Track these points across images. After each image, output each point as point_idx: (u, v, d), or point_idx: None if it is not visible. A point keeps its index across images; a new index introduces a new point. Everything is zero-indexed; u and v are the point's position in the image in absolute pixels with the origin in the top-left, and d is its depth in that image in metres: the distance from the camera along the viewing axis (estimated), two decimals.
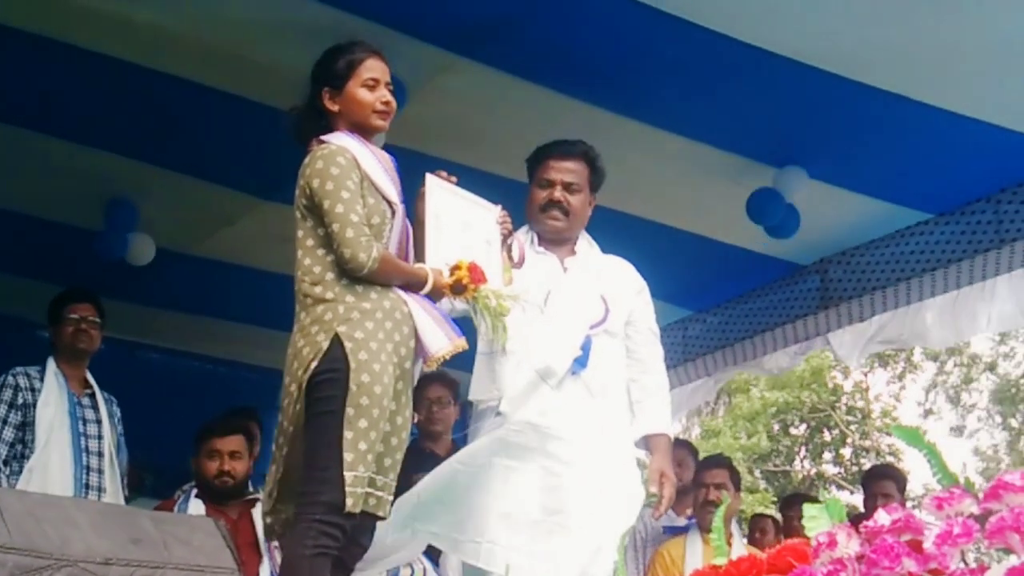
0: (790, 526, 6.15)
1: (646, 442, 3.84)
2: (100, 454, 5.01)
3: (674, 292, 5.97)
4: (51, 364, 5.03)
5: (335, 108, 3.44)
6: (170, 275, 6.26)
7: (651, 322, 3.99)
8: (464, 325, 3.63)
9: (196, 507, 4.77)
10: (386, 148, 3.52)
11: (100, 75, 4.79)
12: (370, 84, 3.44)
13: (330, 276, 3.27)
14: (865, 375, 21.37)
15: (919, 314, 5.95)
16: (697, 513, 5.51)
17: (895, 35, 4.46)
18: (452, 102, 4.92)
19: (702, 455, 6.43)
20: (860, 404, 21.97)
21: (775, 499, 19.91)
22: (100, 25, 4.52)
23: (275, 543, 4.47)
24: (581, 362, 3.69)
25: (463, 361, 3.84)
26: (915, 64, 4.64)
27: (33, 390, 4.94)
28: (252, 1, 4.42)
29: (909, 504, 6.64)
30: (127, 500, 5.16)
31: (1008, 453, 21.48)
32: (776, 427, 21.70)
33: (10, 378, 4.95)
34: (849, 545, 1.66)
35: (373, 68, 3.46)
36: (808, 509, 1.83)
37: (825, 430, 21.90)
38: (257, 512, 4.85)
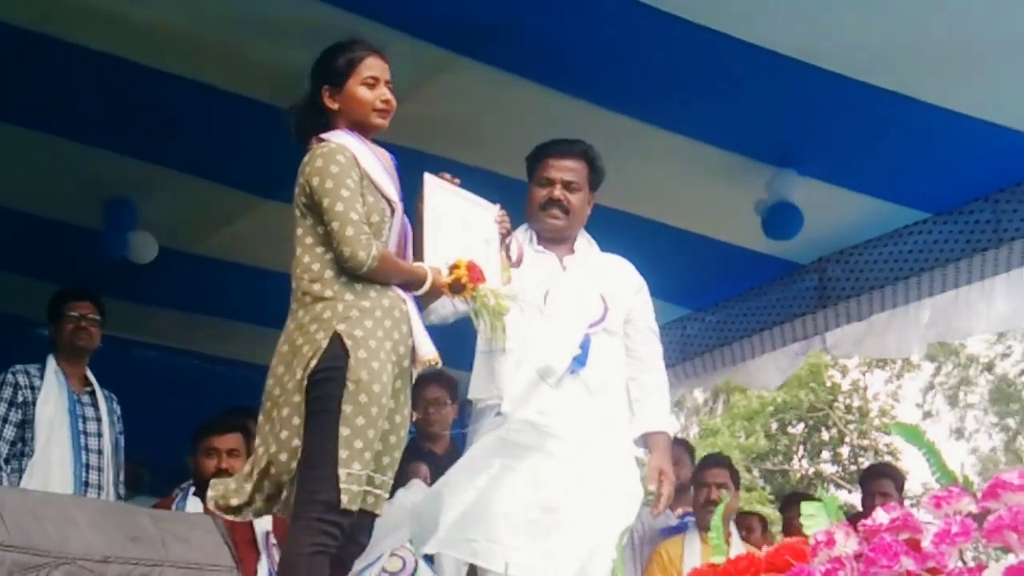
0: (790, 525, 6.15)
1: (645, 440, 3.85)
2: (100, 452, 5.01)
3: (672, 291, 5.97)
4: (51, 362, 5.03)
5: (335, 106, 3.44)
6: (169, 273, 6.26)
7: (650, 320, 3.99)
8: (463, 323, 3.64)
9: (194, 505, 4.77)
10: (385, 146, 3.52)
11: (98, 73, 4.79)
12: (370, 82, 3.44)
13: (329, 274, 3.27)
14: (863, 374, 21.37)
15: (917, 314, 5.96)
16: (698, 512, 5.51)
17: (895, 34, 4.47)
18: (452, 101, 4.92)
19: (701, 454, 6.43)
20: (858, 403, 21.98)
21: (772, 498, 19.93)
22: (98, 23, 4.52)
23: (273, 541, 4.47)
24: (580, 361, 3.69)
25: (462, 360, 3.85)
26: (914, 63, 4.64)
27: (33, 388, 4.95)
28: (250, 1, 4.42)
29: (907, 503, 6.65)
30: (125, 498, 5.16)
31: (1004, 454, 21.49)
32: (774, 426, 21.71)
33: (10, 376, 4.96)
34: (847, 544, 1.67)
35: (373, 66, 3.46)
36: (806, 508, 1.83)
37: (823, 429, 21.90)
38: None
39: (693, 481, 5.69)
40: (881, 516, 1.66)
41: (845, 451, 21.81)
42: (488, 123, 5.06)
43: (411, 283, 3.37)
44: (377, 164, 3.40)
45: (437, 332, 3.60)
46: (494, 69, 4.71)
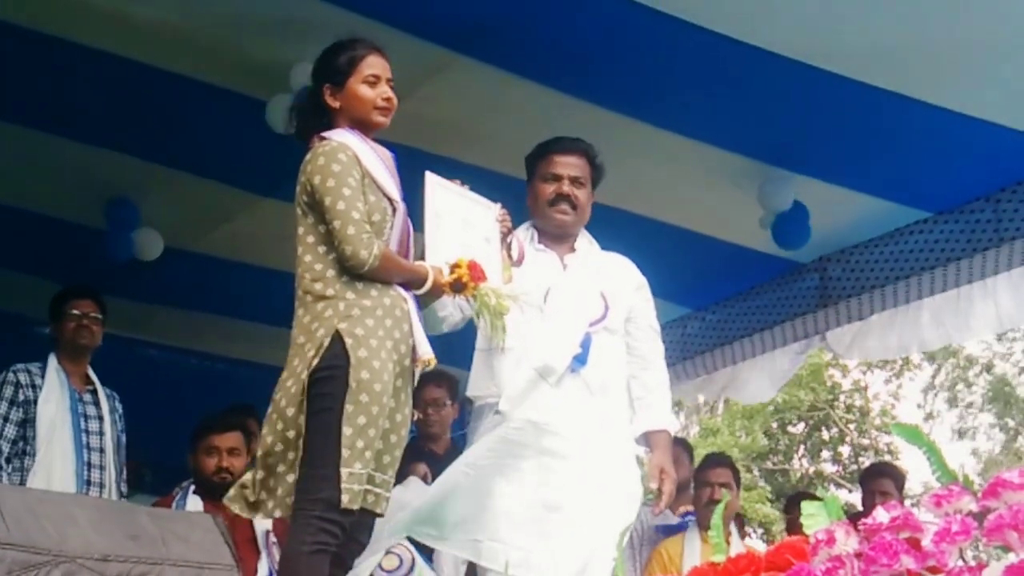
0: (794, 525, 6.15)
1: (646, 438, 3.84)
2: (102, 450, 5.02)
3: (673, 290, 5.97)
4: (52, 361, 5.04)
5: (336, 105, 3.44)
6: (169, 272, 6.27)
7: (651, 319, 3.99)
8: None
9: (194, 503, 4.77)
10: (385, 144, 3.52)
11: (98, 72, 4.79)
12: (371, 80, 3.44)
13: (331, 273, 3.27)
14: (864, 374, 21.39)
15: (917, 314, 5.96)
16: (700, 511, 5.49)
17: (895, 34, 4.47)
18: (451, 100, 4.92)
19: (701, 453, 6.43)
20: (859, 403, 21.99)
21: (772, 497, 19.95)
22: (98, 21, 4.52)
23: (274, 540, 4.47)
24: (581, 360, 3.69)
25: (461, 358, 3.85)
26: (915, 63, 4.64)
27: (34, 387, 4.95)
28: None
29: (908, 503, 6.64)
30: (126, 496, 5.16)
31: (1004, 454, 21.50)
32: (775, 425, 21.72)
33: (11, 375, 4.96)
34: (848, 542, 1.66)
35: (374, 64, 3.46)
36: (806, 507, 1.83)
37: (823, 429, 21.92)
38: None
39: (695, 480, 5.68)
40: (881, 515, 1.66)
41: (845, 450, 21.83)
42: (488, 122, 5.06)
43: (412, 282, 3.37)
44: (378, 163, 3.40)
45: None
46: (494, 68, 4.71)
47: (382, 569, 4.54)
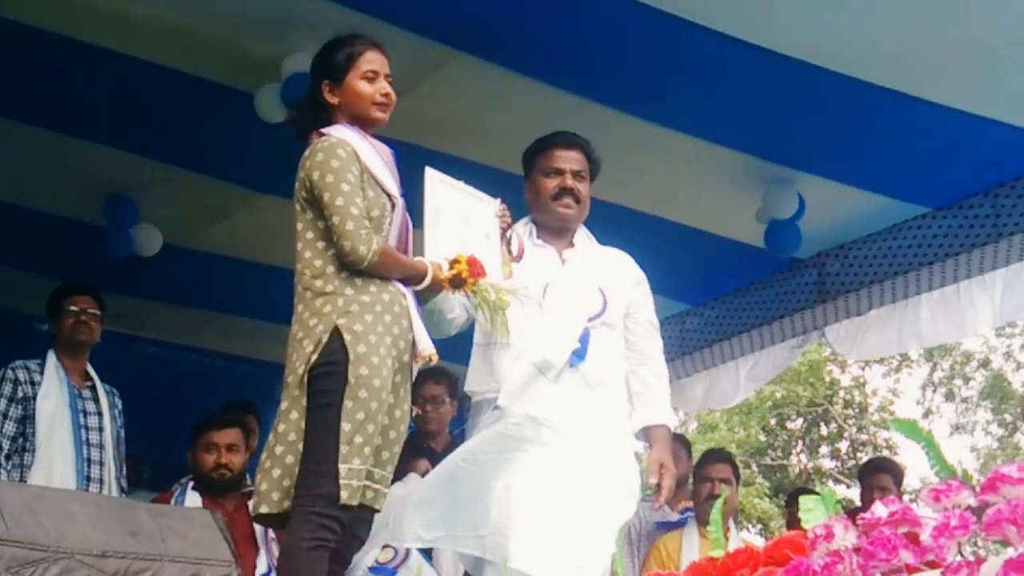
0: (795, 520, 6.15)
1: (645, 433, 3.84)
2: (101, 446, 5.02)
3: (672, 286, 5.96)
4: (51, 357, 5.03)
5: (335, 101, 3.44)
6: (168, 268, 6.26)
7: (650, 314, 3.98)
8: None
9: (193, 500, 4.77)
10: (385, 141, 3.52)
11: (97, 69, 4.79)
12: (370, 76, 3.44)
13: (330, 269, 3.27)
14: (862, 369, 21.39)
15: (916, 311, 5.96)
16: (700, 507, 5.49)
17: (893, 32, 4.47)
18: (450, 97, 4.92)
19: (700, 449, 6.43)
20: (857, 399, 22.00)
21: (769, 493, 19.96)
22: (97, 19, 4.51)
23: (272, 536, 4.47)
24: (579, 355, 3.68)
25: (460, 353, 3.85)
26: (913, 60, 4.65)
27: (33, 383, 4.95)
28: None
29: (906, 498, 6.64)
30: (127, 492, 5.16)
31: (1002, 449, 21.52)
32: (773, 421, 21.73)
33: (9, 372, 4.96)
34: (846, 537, 1.67)
35: (372, 60, 3.45)
36: (804, 501, 1.83)
37: (822, 424, 21.92)
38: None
39: (694, 476, 5.68)
40: (880, 510, 1.66)
41: (844, 446, 21.84)
42: (487, 119, 5.06)
43: (411, 278, 3.37)
44: (377, 159, 3.40)
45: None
46: (494, 66, 4.71)
47: (377, 561, 4.54)
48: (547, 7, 4.38)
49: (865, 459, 16.03)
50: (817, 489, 1.91)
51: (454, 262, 3.39)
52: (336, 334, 3.18)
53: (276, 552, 4.24)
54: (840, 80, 4.69)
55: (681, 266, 5.92)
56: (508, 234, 3.71)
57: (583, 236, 3.99)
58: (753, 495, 18.87)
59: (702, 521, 5.39)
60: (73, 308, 5.09)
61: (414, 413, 4.67)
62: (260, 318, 6.58)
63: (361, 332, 3.18)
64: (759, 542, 5.12)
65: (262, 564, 4.63)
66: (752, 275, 6.50)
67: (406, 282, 3.35)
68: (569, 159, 3.94)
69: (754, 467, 21.13)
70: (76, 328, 5.08)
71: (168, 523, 3.34)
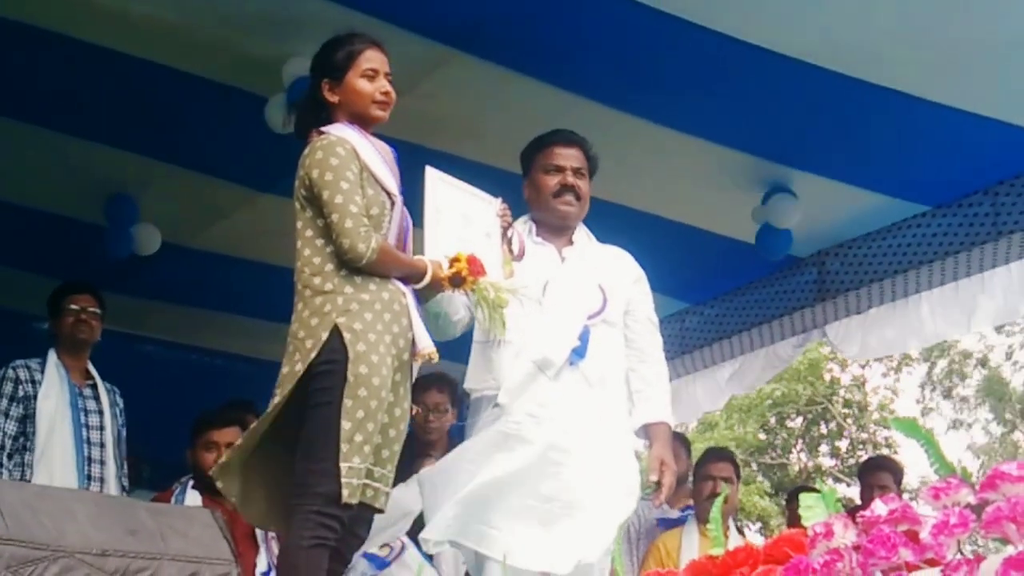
0: (795, 517, 6.14)
1: (646, 431, 3.84)
2: (102, 445, 5.02)
3: (672, 285, 5.97)
4: (52, 356, 5.03)
5: (335, 99, 3.44)
6: (167, 268, 6.26)
7: (649, 311, 3.98)
8: None
9: (193, 499, 4.77)
10: (385, 140, 3.52)
11: (95, 68, 4.79)
12: (369, 74, 3.44)
13: (330, 267, 3.27)
14: (862, 368, 21.39)
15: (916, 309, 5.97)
16: (701, 505, 5.48)
17: (892, 31, 4.47)
18: (451, 96, 4.92)
19: (702, 447, 6.42)
20: (857, 397, 22.00)
21: (769, 491, 19.97)
22: (97, 18, 4.51)
23: (272, 535, 4.47)
24: (579, 352, 3.68)
25: (459, 351, 3.85)
26: (912, 59, 4.65)
27: (34, 382, 4.95)
28: None
29: (905, 496, 6.64)
30: (128, 491, 5.16)
31: (1001, 446, 21.54)
32: (773, 419, 21.73)
33: (10, 371, 4.96)
34: (846, 535, 1.66)
35: (372, 59, 3.46)
36: (804, 499, 1.83)
37: (822, 423, 21.93)
38: None
39: (695, 474, 5.67)
40: (880, 507, 1.66)
41: (844, 444, 21.84)
42: (487, 118, 5.06)
43: (411, 276, 3.37)
44: (377, 157, 3.40)
45: None
46: (492, 65, 4.71)
47: (372, 553, 4.54)
48: (546, 6, 4.38)
49: (865, 457, 16.03)
50: (818, 487, 1.90)
51: (454, 260, 3.39)
52: (336, 332, 3.18)
53: (276, 550, 4.24)
54: (840, 79, 4.70)
55: (681, 264, 5.92)
56: (509, 233, 3.71)
57: (582, 234, 3.99)
58: (753, 493, 18.88)
59: (703, 519, 5.39)
60: (73, 307, 5.09)
61: (414, 412, 4.66)
62: (260, 317, 6.58)
63: (360, 330, 3.18)
64: (759, 540, 5.12)
65: (262, 563, 4.63)
66: (752, 273, 6.51)
67: (405, 280, 3.36)
68: (569, 156, 3.94)
69: (754, 466, 21.14)
70: (76, 327, 5.09)
71: (168, 522, 3.35)
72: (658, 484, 3.78)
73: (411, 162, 3.53)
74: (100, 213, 5.86)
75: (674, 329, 6.81)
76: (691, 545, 5.34)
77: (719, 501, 2.25)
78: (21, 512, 2.99)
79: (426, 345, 3.32)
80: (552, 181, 3.91)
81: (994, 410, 21.82)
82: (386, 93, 3.46)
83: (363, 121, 3.45)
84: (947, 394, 22.45)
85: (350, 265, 3.25)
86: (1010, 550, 1.50)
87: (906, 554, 1.56)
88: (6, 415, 4.88)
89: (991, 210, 5.57)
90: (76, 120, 5.20)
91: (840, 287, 6.21)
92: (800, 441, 22.17)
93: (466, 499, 3.55)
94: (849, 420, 21.74)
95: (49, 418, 4.90)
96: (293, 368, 3.20)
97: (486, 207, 3.67)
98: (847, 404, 21.94)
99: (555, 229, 3.94)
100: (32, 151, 5.39)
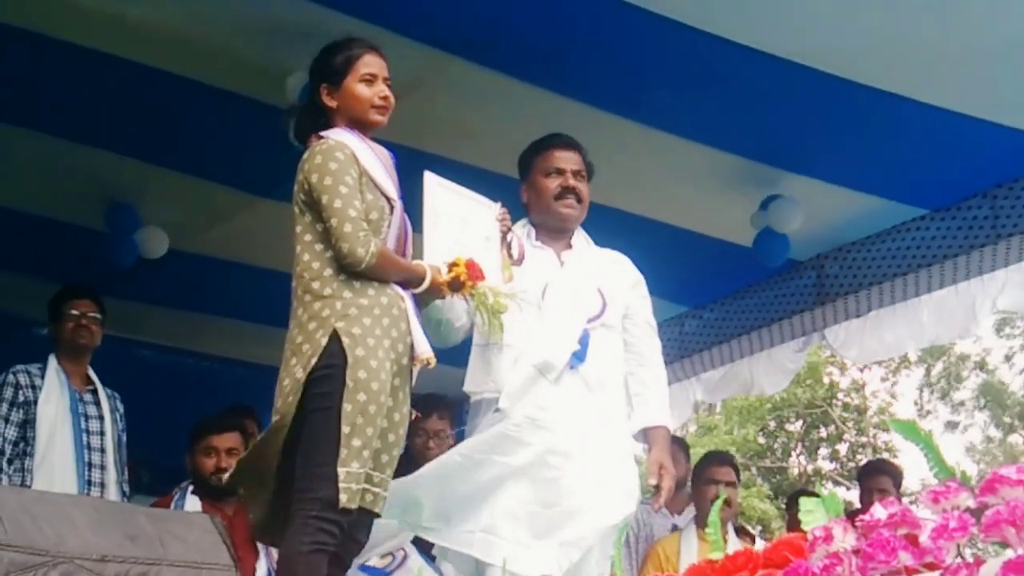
0: (795, 521, 6.13)
1: (645, 435, 3.84)
2: (102, 450, 5.02)
3: (671, 288, 5.97)
4: (52, 361, 5.03)
5: (333, 104, 3.44)
6: (167, 272, 6.26)
7: (648, 315, 3.99)
8: None
9: (192, 504, 4.77)
10: (384, 144, 3.52)
11: (93, 72, 4.79)
12: (368, 79, 3.44)
13: (329, 272, 3.27)
14: (861, 371, 21.40)
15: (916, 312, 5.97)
16: (705, 510, 5.46)
17: (889, 33, 4.47)
18: (446, 102, 4.92)
19: (701, 451, 6.41)
20: (856, 401, 22.00)
21: (769, 495, 19.96)
22: (94, 22, 4.51)
23: None
24: (579, 356, 3.69)
25: (458, 355, 3.85)
26: (910, 62, 4.65)
27: (34, 388, 4.94)
28: (247, 2, 4.42)
29: (905, 500, 6.64)
30: (128, 497, 5.16)
31: (1000, 448, 21.54)
32: (772, 423, 21.73)
33: (11, 376, 4.95)
34: (845, 539, 1.66)
35: (371, 63, 3.46)
36: (804, 503, 1.83)
37: (821, 426, 21.93)
38: None
39: (699, 478, 5.64)
40: (879, 511, 1.66)
41: (843, 448, 21.84)
42: (485, 123, 5.06)
43: (410, 280, 3.36)
44: (376, 161, 3.40)
45: None
46: (490, 70, 4.71)
47: (370, 564, 4.53)
48: (542, 12, 4.38)
49: (864, 461, 16.04)
50: (818, 491, 1.90)
51: (452, 265, 3.39)
52: (335, 337, 3.18)
53: (276, 556, 4.23)
54: (838, 83, 4.70)
55: (680, 268, 5.93)
56: (508, 237, 3.71)
57: (581, 238, 3.99)
58: (753, 497, 18.88)
59: (704, 524, 5.38)
60: (74, 312, 5.10)
61: (413, 416, 4.65)
62: (260, 322, 6.58)
63: (359, 335, 3.18)
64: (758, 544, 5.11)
65: (262, 568, 4.63)
66: (751, 277, 6.51)
67: (404, 285, 3.35)
68: (569, 159, 3.95)
69: (753, 469, 21.13)
70: (77, 332, 5.09)
71: (167, 527, 3.34)
72: (657, 488, 3.78)
73: (410, 167, 3.53)
74: (99, 218, 5.85)
75: (673, 333, 6.81)
76: (690, 549, 5.33)
77: (718, 505, 2.25)
78: (21, 518, 2.99)
79: (424, 350, 3.32)
80: (553, 184, 3.92)
81: (992, 415, 21.83)
82: (385, 98, 3.46)
83: (362, 126, 3.45)
84: (944, 396, 22.46)
85: (349, 269, 3.25)
86: (1009, 554, 1.50)
87: (905, 558, 1.56)
88: (6, 420, 4.87)
89: (990, 213, 5.57)
90: (75, 125, 5.20)
91: (839, 290, 6.21)
92: (799, 445, 22.17)
93: (465, 502, 3.55)
94: (848, 424, 21.74)
95: (49, 423, 4.90)
96: (294, 376, 3.20)
97: (485, 211, 3.67)
98: (846, 408, 21.94)
99: (554, 233, 3.94)
100: (32, 156, 5.39)
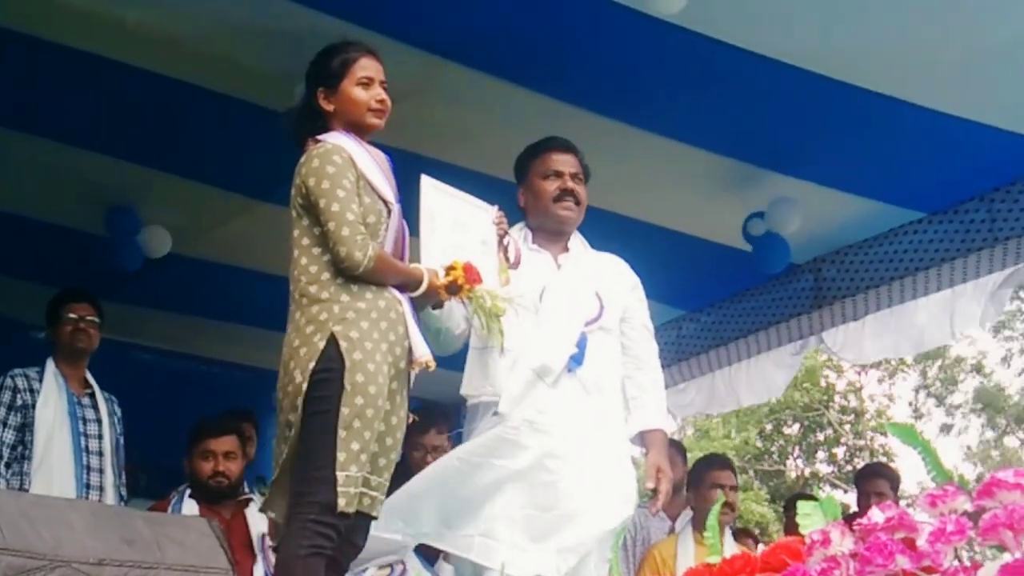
0: (793, 525, 6.13)
1: (642, 438, 3.85)
2: (100, 453, 5.01)
3: (668, 292, 5.97)
4: (50, 365, 5.03)
5: (330, 108, 3.44)
6: (164, 276, 6.25)
7: (645, 318, 3.99)
8: None
9: (190, 507, 4.77)
10: (380, 148, 3.52)
11: (91, 77, 4.78)
12: (364, 82, 3.44)
13: (326, 276, 3.27)
14: (858, 374, 21.41)
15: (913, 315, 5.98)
16: (706, 513, 5.45)
17: (886, 37, 4.48)
18: (446, 106, 4.92)
19: (699, 454, 6.40)
20: (853, 404, 22.01)
21: (767, 498, 19.95)
22: (93, 26, 4.51)
23: (270, 543, 4.47)
24: (577, 359, 3.69)
25: (454, 358, 3.85)
26: (907, 66, 4.66)
27: (32, 391, 4.94)
28: (245, 6, 4.42)
29: (902, 503, 6.65)
30: (126, 500, 5.16)
31: (997, 450, 21.55)
32: (769, 426, 21.73)
33: (8, 380, 4.95)
34: (843, 543, 1.67)
35: (367, 67, 3.46)
36: (802, 507, 1.83)
37: (818, 430, 21.93)
38: (251, 512, 4.85)
39: (700, 482, 5.62)
40: (877, 515, 1.66)
41: (840, 451, 21.84)
42: (481, 127, 5.06)
43: (408, 284, 3.36)
44: (373, 165, 3.40)
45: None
46: (485, 75, 4.72)
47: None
48: (539, 16, 4.38)
49: (861, 464, 16.04)
50: (816, 495, 1.90)
51: (450, 268, 3.39)
52: (332, 341, 3.18)
53: (273, 559, 4.23)
54: (835, 86, 4.70)
55: (677, 272, 5.93)
56: (505, 241, 3.71)
57: (578, 242, 3.99)
58: (751, 501, 18.87)
59: (702, 527, 5.36)
60: (72, 315, 5.09)
61: (410, 420, 4.65)
62: (258, 325, 6.57)
63: (357, 339, 3.18)
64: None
65: (259, 571, 4.64)
66: (748, 280, 6.51)
67: (402, 288, 3.35)
68: (566, 162, 3.96)
69: (751, 473, 21.13)
70: (75, 335, 5.08)
71: (164, 531, 3.34)
72: (655, 491, 3.79)
73: (407, 170, 3.53)
74: (99, 222, 5.85)
75: (671, 336, 6.81)
76: (687, 553, 5.33)
77: (716, 508, 2.25)
78: (18, 522, 2.99)
79: (423, 353, 3.32)
80: (552, 186, 3.92)
81: (989, 419, 21.85)
82: (381, 101, 3.46)
83: (359, 129, 3.45)
84: (939, 401, 22.47)
85: (347, 273, 3.25)
86: (1007, 557, 1.50)
87: (903, 562, 1.57)
88: (4, 424, 4.87)
89: (987, 217, 5.58)
90: (73, 129, 5.19)
91: (837, 293, 6.22)
92: (797, 448, 22.17)
93: (463, 506, 3.55)
94: (846, 427, 21.74)
95: (48, 427, 4.89)
96: (294, 381, 3.20)
97: (482, 214, 3.67)
98: (843, 411, 21.94)
99: (551, 236, 3.95)
100: (31, 160, 5.38)
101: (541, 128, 4.22)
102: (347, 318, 3.21)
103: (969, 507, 1.62)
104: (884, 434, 20.38)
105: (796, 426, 21.96)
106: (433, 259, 3.41)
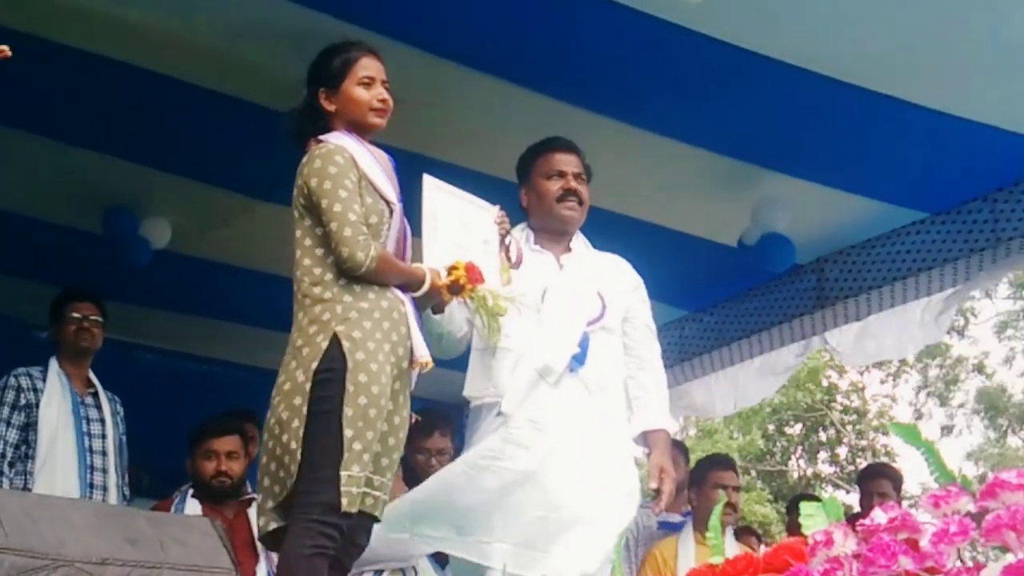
0: (796, 525, 6.12)
1: (645, 438, 3.84)
2: (104, 453, 5.02)
3: (671, 292, 5.97)
4: (53, 364, 5.04)
5: (332, 108, 3.44)
6: (166, 275, 6.26)
7: (648, 318, 3.99)
8: None
9: (193, 507, 4.78)
10: (382, 148, 3.52)
11: (92, 76, 4.78)
12: (366, 82, 3.45)
13: (329, 276, 3.27)
14: (861, 375, 21.39)
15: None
16: (708, 514, 5.43)
17: (889, 37, 4.47)
18: (448, 106, 4.92)
19: (702, 454, 6.40)
20: (856, 404, 21.99)
21: (770, 498, 19.94)
22: (92, 26, 4.51)
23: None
24: (579, 359, 3.69)
25: (457, 359, 3.85)
26: (910, 67, 4.65)
27: (35, 390, 4.95)
28: (246, 6, 4.42)
29: (905, 504, 6.64)
30: (129, 500, 5.16)
31: (999, 447, 21.53)
32: (771, 427, 21.72)
33: (12, 379, 4.96)
34: (846, 544, 1.66)
35: (368, 66, 3.46)
36: (805, 507, 1.83)
37: (821, 430, 21.92)
38: (253, 512, 4.85)
39: (704, 482, 5.61)
40: (879, 516, 1.66)
41: (843, 452, 21.83)
42: (483, 127, 5.06)
43: (410, 284, 3.36)
44: (375, 165, 3.40)
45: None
46: (486, 75, 4.72)
47: None
48: (541, 17, 4.38)
49: (864, 465, 16.02)
50: (819, 495, 1.90)
51: (452, 268, 3.39)
52: (335, 341, 3.18)
53: (275, 559, 4.23)
54: (838, 86, 4.70)
55: (680, 272, 5.92)
56: (507, 240, 3.72)
57: (580, 242, 3.99)
58: (753, 501, 18.86)
59: (703, 527, 5.36)
60: (75, 315, 5.10)
61: (413, 420, 4.64)
62: (260, 326, 6.58)
63: (359, 339, 3.18)
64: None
65: (262, 571, 4.64)
66: (751, 280, 6.50)
67: (404, 288, 3.35)
68: (569, 162, 3.96)
69: (753, 473, 21.12)
70: (78, 335, 5.09)
71: (167, 530, 3.34)
72: (658, 491, 3.79)
73: (408, 170, 3.53)
74: (98, 222, 5.85)
75: (673, 337, 6.81)
76: (688, 553, 5.33)
77: (719, 509, 2.25)
78: (21, 521, 2.99)
79: (423, 354, 3.32)
80: (555, 186, 3.92)
81: (990, 419, 21.83)
82: (383, 101, 3.46)
83: (361, 129, 3.45)
84: (941, 401, 22.46)
85: (349, 274, 3.25)
86: (1010, 558, 1.50)
87: (906, 562, 1.56)
88: (8, 423, 4.87)
89: (990, 217, 5.57)
90: (74, 128, 5.20)
91: (840, 294, 6.21)
92: (799, 448, 22.15)
93: (467, 508, 3.55)
94: (848, 427, 21.73)
95: (51, 426, 4.90)
96: (293, 380, 3.20)
97: (484, 214, 3.67)
98: (846, 411, 21.93)
99: (554, 236, 3.95)
100: (31, 160, 5.39)
101: (542, 128, 4.22)
102: (350, 318, 3.21)
103: (972, 508, 1.61)
104: (886, 434, 20.37)
105: (798, 426, 21.95)
106: (435, 259, 3.41)
